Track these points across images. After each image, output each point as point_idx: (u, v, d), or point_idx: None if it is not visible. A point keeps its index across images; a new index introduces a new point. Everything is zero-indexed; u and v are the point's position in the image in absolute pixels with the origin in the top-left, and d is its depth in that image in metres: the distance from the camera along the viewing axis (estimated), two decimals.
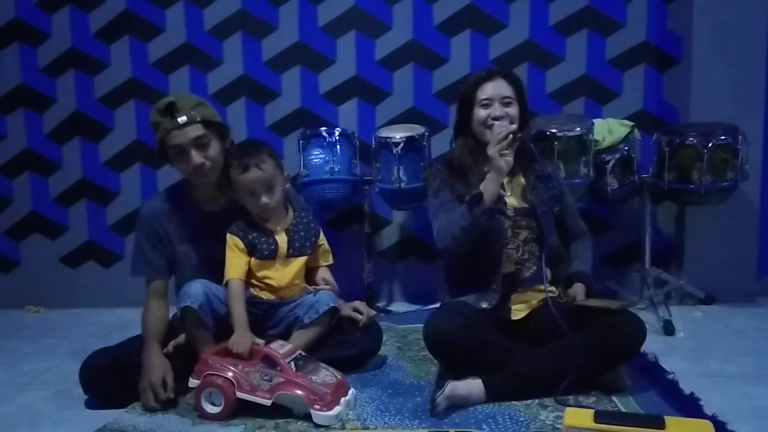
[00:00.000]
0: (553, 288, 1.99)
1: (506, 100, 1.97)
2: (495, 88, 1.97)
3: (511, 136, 1.87)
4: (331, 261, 2.14)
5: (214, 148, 1.92)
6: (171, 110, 1.86)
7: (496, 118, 1.95)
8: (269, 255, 1.97)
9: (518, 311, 1.95)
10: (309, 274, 2.09)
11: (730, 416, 1.62)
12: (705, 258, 2.80)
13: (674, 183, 2.57)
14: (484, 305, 1.91)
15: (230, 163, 1.93)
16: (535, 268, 1.97)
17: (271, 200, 1.93)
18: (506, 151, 1.86)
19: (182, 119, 1.86)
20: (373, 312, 2.14)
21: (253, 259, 1.96)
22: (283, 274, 1.99)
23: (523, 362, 1.79)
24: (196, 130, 1.88)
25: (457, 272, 2.02)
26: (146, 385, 1.81)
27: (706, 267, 2.80)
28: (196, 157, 1.88)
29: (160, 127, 1.89)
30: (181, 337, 1.95)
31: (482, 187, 1.86)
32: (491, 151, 1.86)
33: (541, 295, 1.95)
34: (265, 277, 1.98)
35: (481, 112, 1.98)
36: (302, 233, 2.03)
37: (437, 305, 2.06)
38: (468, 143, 2.02)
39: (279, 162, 1.98)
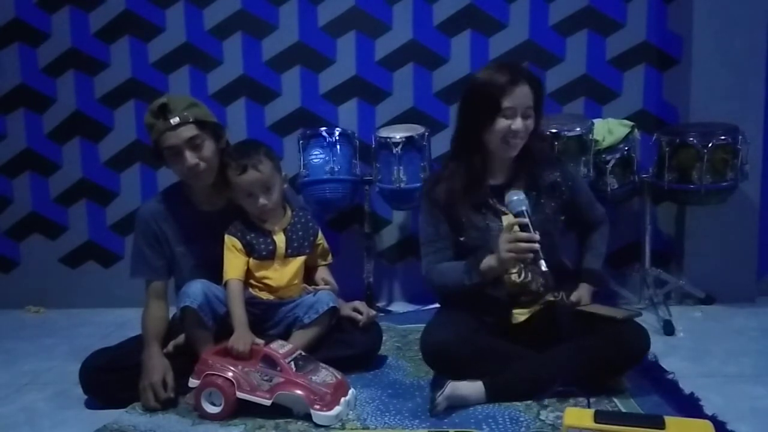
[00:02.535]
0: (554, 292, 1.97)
1: (528, 111, 1.79)
2: (520, 97, 1.76)
3: (531, 254, 1.68)
4: (330, 260, 2.14)
5: (209, 149, 1.91)
6: (164, 111, 1.86)
7: (515, 134, 1.79)
8: (267, 255, 1.97)
9: (519, 315, 1.91)
10: (308, 273, 2.09)
11: (730, 416, 1.62)
12: (705, 258, 2.80)
13: (674, 183, 2.57)
14: (478, 314, 1.88)
15: (227, 164, 1.93)
16: (542, 289, 1.89)
17: (269, 201, 1.93)
18: (521, 257, 1.71)
19: (175, 120, 1.85)
20: (373, 312, 2.14)
21: (251, 259, 1.96)
22: (282, 274, 1.99)
23: (524, 365, 1.78)
24: (190, 131, 1.87)
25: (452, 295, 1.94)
26: (146, 385, 1.81)
27: (706, 267, 2.79)
28: (191, 157, 1.88)
29: (153, 128, 1.89)
30: (181, 337, 1.95)
31: (483, 268, 1.77)
32: (505, 255, 1.70)
33: (543, 301, 1.94)
34: (264, 278, 1.98)
35: (501, 123, 1.78)
36: (300, 233, 2.03)
37: (437, 305, 2.06)
38: (461, 168, 1.86)
39: (276, 162, 1.98)
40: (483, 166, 1.88)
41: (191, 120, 1.87)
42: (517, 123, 1.78)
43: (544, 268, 1.68)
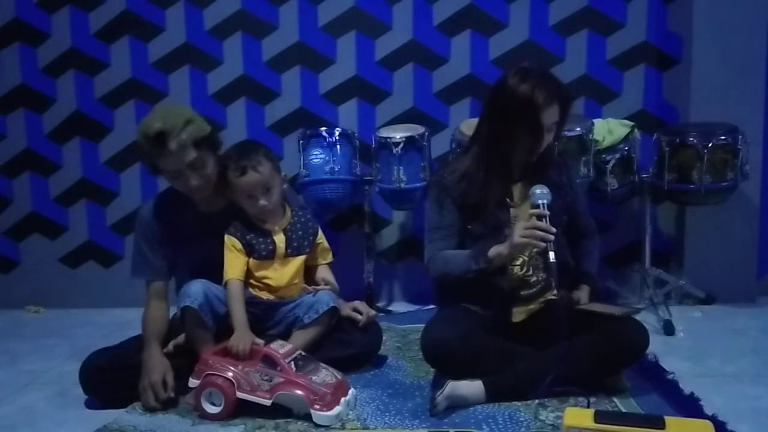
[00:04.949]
0: (554, 291, 1.97)
1: (553, 126, 1.82)
2: (550, 116, 1.79)
3: (544, 244, 1.73)
4: (330, 259, 2.13)
5: (209, 165, 1.91)
6: (161, 138, 1.81)
7: (540, 147, 1.83)
8: (267, 255, 1.97)
9: (519, 313, 1.91)
10: (308, 272, 2.09)
11: (730, 416, 1.62)
12: (705, 258, 2.80)
13: (674, 183, 2.57)
14: (477, 310, 1.89)
15: (227, 166, 1.92)
16: (542, 283, 1.91)
17: (269, 202, 1.93)
18: (534, 243, 1.74)
19: (173, 146, 1.81)
20: (373, 312, 2.13)
21: (251, 259, 1.96)
22: (282, 273, 1.99)
23: (523, 364, 1.78)
24: (190, 155, 1.84)
25: (451, 285, 1.95)
26: (146, 384, 1.80)
27: (706, 267, 2.79)
28: (194, 179, 1.88)
29: (151, 155, 1.85)
30: (181, 337, 1.95)
31: (491, 254, 1.78)
32: (519, 239, 1.73)
33: (543, 299, 1.94)
34: (264, 278, 1.98)
35: (529, 136, 1.82)
36: (300, 232, 2.03)
37: (435, 306, 2.06)
38: (481, 167, 1.88)
39: (275, 163, 1.97)
40: (502, 166, 1.89)
41: (190, 143, 1.84)
42: (544, 140, 1.82)
43: (552, 259, 1.72)
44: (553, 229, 1.72)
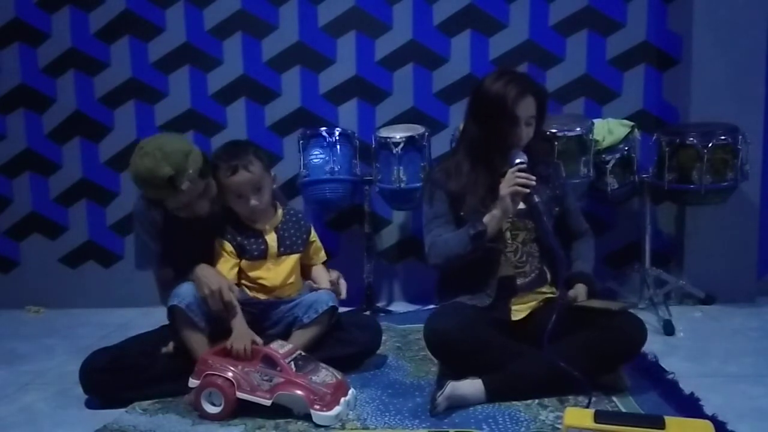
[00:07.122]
0: (552, 289, 1.98)
1: (530, 119, 1.89)
2: (525, 109, 1.86)
3: (528, 190, 1.81)
4: (324, 258, 2.13)
5: (209, 188, 1.90)
6: (173, 181, 1.78)
7: (519, 140, 1.88)
8: (259, 255, 1.96)
9: (518, 311, 1.93)
10: (305, 272, 2.09)
11: (730, 416, 1.62)
12: (705, 258, 2.80)
13: (674, 183, 2.57)
14: (476, 304, 1.89)
15: (216, 166, 1.90)
16: (536, 272, 1.95)
17: (260, 202, 1.92)
18: (518, 190, 1.81)
19: (186, 185, 1.80)
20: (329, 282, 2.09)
21: (243, 260, 1.95)
22: (276, 273, 1.99)
23: (523, 363, 1.79)
24: (200, 186, 1.84)
25: (451, 274, 1.98)
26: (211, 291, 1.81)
27: (706, 267, 2.79)
28: (203, 206, 1.88)
29: (160, 196, 1.84)
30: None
31: (486, 220, 1.83)
32: (504, 191, 1.81)
33: (542, 297, 1.95)
34: (258, 278, 1.97)
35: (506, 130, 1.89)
36: (292, 230, 2.03)
37: (435, 304, 2.06)
38: (466, 163, 1.94)
39: (266, 162, 1.96)
40: (487, 162, 1.93)
41: (197, 176, 1.82)
42: (520, 131, 1.87)
43: (537, 199, 1.82)
44: (534, 177, 1.81)
